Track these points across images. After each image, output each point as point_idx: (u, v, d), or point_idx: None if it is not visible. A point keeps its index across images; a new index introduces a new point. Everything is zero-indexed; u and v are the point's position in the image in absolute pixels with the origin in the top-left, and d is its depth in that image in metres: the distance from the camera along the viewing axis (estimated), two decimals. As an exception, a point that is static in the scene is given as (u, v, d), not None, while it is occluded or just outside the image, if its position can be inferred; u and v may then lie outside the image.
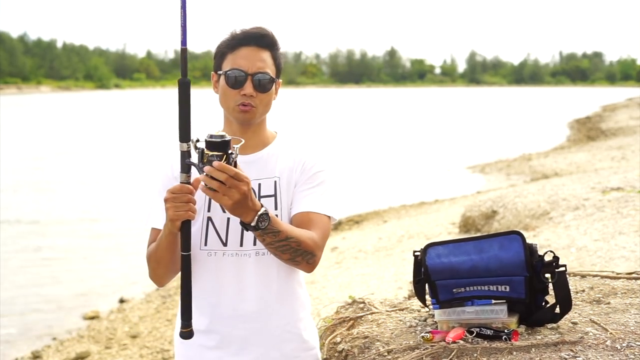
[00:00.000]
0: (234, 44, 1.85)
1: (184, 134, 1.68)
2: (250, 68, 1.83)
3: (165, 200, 1.66)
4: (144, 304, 6.89)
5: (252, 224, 1.65)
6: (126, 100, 64.57)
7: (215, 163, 1.57)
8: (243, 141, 1.69)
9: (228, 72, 1.83)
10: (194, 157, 1.67)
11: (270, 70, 1.86)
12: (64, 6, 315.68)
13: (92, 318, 6.63)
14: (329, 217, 1.89)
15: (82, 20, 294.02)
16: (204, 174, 1.58)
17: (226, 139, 1.61)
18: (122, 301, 7.10)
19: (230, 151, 1.61)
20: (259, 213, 1.64)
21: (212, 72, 1.91)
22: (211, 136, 1.61)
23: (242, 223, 1.67)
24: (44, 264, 8.54)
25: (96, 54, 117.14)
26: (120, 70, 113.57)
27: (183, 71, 1.67)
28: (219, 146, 1.60)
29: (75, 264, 8.54)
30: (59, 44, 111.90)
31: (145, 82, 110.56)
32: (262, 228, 1.66)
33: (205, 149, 1.60)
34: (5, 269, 8.17)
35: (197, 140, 1.62)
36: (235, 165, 1.61)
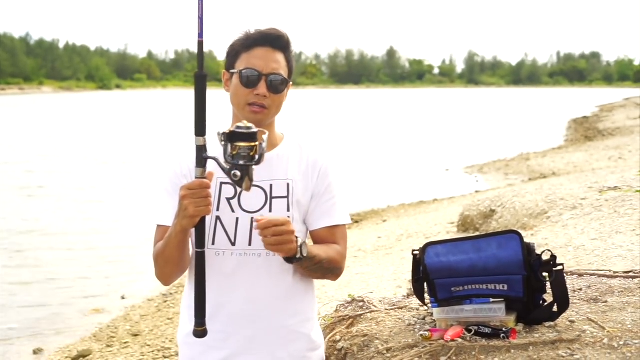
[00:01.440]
0: (249, 44, 1.85)
1: (200, 127, 1.65)
2: (265, 68, 1.83)
3: (183, 197, 1.64)
4: (145, 302, 6.89)
5: (297, 255, 1.71)
6: (128, 101, 64.47)
7: (261, 224, 1.64)
8: (267, 133, 1.67)
9: (242, 71, 1.83)
10: (211, 151, 1.65)
11: (284, 72, 1.86)
12: (66, 7, 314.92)
13: (93, 316, 6.65)
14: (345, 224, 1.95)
15: (83, 21, 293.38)
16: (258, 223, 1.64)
17: (254, 130, 1.59)
18: (123, 299, 7.11)
19: (259, 142, 1.60)
20: (299, 244, 1.71)
21: (224, 71, 1.90)
22: (238, 127, 1.59)
23: (286, 258, 1.73)
24: (46, 262, 8.54)
25: (98, 54, 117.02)
26: (122, 70, 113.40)
27: (200, 64, 1.65)
28: (248, 137, 1.58)
29: (77, 262, 8.54)
30: (61, 45, 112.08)
31: (147, 83, 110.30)
32: (305, 255, 1.72)
33: (231, 141, 1.58)
34: (7, 267, 8.18)
35: (223, 133, 1.60)
36: (262, 157, 1.60)
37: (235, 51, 1.87)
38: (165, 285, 1.93)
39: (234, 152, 1.58)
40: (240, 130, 1.58)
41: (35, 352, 5.72)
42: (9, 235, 9.78)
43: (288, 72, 1.88)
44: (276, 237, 1.65)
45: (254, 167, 1.60)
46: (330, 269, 1.85)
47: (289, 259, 1.73)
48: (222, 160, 1.61)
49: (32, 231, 10.17)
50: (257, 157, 1.59)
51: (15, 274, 7.95)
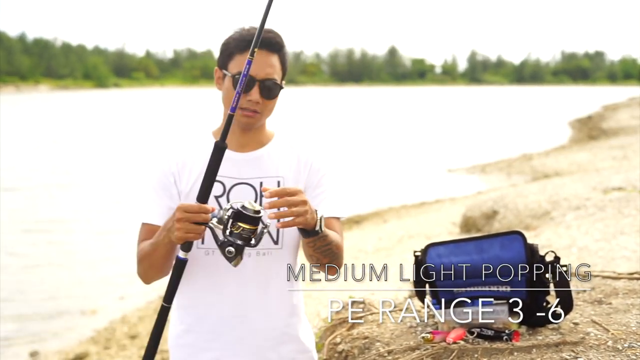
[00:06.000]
0: (243, 46, 1.78)
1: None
2: (259, 74, 1.77)
3: (178, 220, 1.62)
4: (143, 304, 6.88)
5: (316, 227, 1.67)
6: (125, 100, 64.53)
7: (268, 192, 1.59)
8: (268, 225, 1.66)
9: (236, 77, 1.77)
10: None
11: (278, 76, 1.82)
12: (63, 5, 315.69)
13: (91, 318, 6.63)
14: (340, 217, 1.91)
15: (80, 19, 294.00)
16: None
17: (260, 215, 1.61)
18: (121, 301, 7.09)
19: (262, 226, 1.61)
20: (319, 216, 1.67)
21: (216, 67, 1.85)
22: (245, 208, 1.60)
23: (305, 231, 1.67)
24: (43, 263, 8.53)
25: (95, 53, 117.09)
26: (119, 69, 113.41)
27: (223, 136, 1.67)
28: (253, 221, 1.60)
29: (74, 264, 8.54)
30: (58, 43, 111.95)
31: (144, 81, 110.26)
32: (322, 230, 1.68)
33: (235, 219, 1.60)
34: (4, 269, 8.17)
35: (229, 209, 1.61)
36: (259, 241, 1.62)
37: (229, 51, 1.82)
38: (146, 284, 1.91)
39: (235, 231, 1.60)
40: (247, 213, 1.60)
41: (32, 355, 5.70)
42: (6, 237, 9.77)
43: (282, 74, 1.84)
44: (293, 211, 1.59)
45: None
46: (337, 255, 1.79)
47: (307, 233, 1.67)
48: (219, 231, 1.62)
49: (28, 232, 10.16)
50: (254, 240, 1.62)
51: (12, 276, 7.94)
